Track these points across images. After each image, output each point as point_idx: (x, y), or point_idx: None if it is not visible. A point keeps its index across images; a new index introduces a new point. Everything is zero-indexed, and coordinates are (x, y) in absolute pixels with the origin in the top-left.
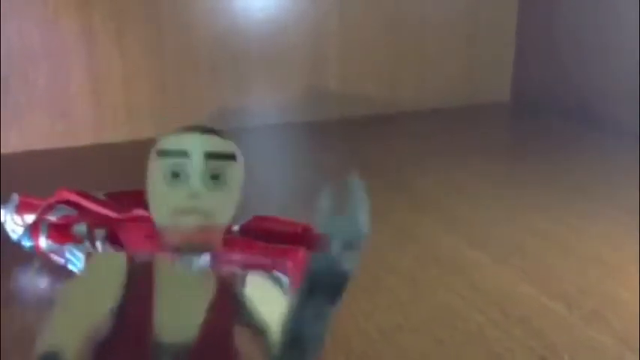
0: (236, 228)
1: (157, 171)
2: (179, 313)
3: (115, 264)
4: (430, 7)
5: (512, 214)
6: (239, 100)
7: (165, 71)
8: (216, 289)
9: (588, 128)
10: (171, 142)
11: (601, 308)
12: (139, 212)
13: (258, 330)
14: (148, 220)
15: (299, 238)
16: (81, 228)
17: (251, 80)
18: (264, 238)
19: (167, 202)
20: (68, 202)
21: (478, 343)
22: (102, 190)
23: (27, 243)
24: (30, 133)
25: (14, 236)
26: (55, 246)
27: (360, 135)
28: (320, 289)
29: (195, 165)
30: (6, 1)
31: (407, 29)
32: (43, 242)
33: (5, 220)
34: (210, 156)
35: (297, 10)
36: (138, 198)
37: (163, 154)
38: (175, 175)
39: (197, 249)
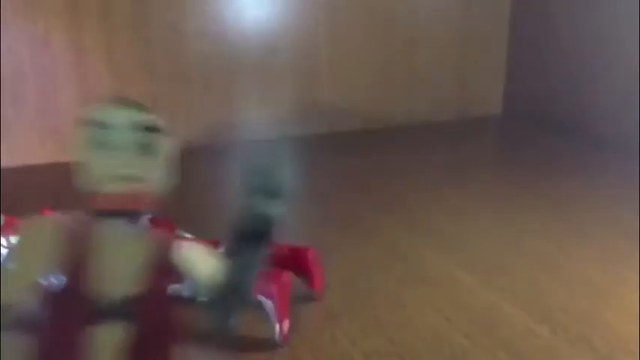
0: (222, 250)
1: (84, 139)
2: (117, 269)
3: (48, 227)
4: (421, 21)
5: (502, 234)
6: (230, 114)
7: (156, 87)
8: (151, 251)
9: (582, 142)
10: (98, 112)
11: (587, 331)
12: None
13: (194, 289)
14: None
15: (285, 259)
16: None
17: (242, 95)
18: None
19: (94, 170)
20: None
21: None
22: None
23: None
24: (19, 149)
25: None
26: None
27: (350, 149)
28: (247, 238)
29: (122, 135)
30: None
31: (398, 43)
32: None
33: None
34: (135, 127)
35: (287, 26)
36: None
37: (90, 123)
38: (102, 144)
39: (124, 213)
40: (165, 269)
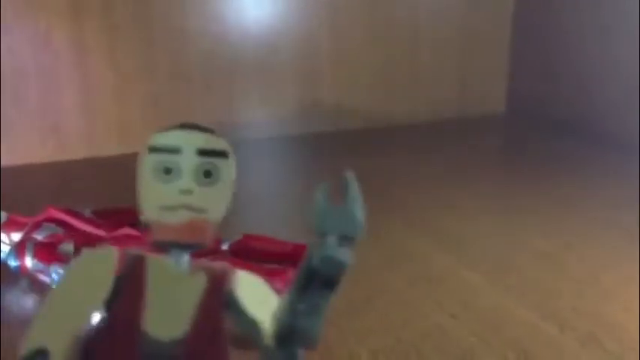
0: (225, 247)
1: (148, 167)
2: (169, 310)
3: (104, 260)
4: (424, 19)
5: (507, 233)
6: (232, 113)
7: (158, 85)
8: (207, 287)
9: (585, 141)
10: (163, 138)
11: (596, 330)
12: (126, 231)
13: (249, 327)
14: (135, 239)
15: (290, 257)
16: (67, 247)
17: (244, 93)
18: (254, 257)
19: (158, 199)
20: (55, 221)
21: None
22: (90, 207)
23: (13, 263)
24: (21, 148)
25: (0, 255)
26: (41, 266)
27: (354, 149)
28: (315, 283)
29: (187, 161)
30: None
31: (399, 42)
32: (29, 262)
33: None
34: (202, 153)
35: (289, 24)
36: (126, 216)
37: (155, 150)
38: (167, 171)
39: (187, 245)
40: (220, 307)
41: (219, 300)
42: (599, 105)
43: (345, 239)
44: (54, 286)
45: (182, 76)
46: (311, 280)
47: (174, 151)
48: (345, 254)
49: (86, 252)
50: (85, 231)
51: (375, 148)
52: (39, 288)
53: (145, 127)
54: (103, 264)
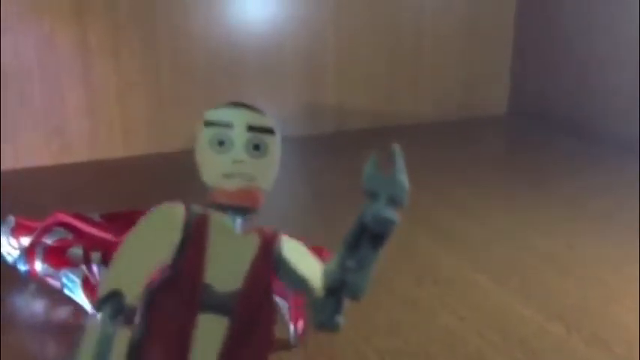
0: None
1: (204, 139)
2: (228, 265)
3: (174, 215)
4: (427, 19)
5: (512, 234)
6: None
7: (161, 87)
8: (260, 246)
9: (586, 142)
10: (217, 114)
11: (601, 330)
12: None
13: (298, 283)
14: None
15: None
16: (77, 251)
17: (247, 94)
18: None
19: (214, 167)
20: (64, 225)
21: None
22: (95, 209)
23: (22, 267)
24: (25, 150)
25: (9, 259)
26: (51, 270)
27: (357, 149)
28: (366, 238)
29: (239, 135)
30: (1, 18)
31: (403, 42)
32: (39, 266)
33: (1, 243)
34: (252, 128)
35: (293, 24)
36: (133, 219)
37: (210, 124)
38: (221, 143)
39: (241, 209)
40: (270, 264)
41: (269, 259)
42: (601, 106)
43: (392, 202)
44: (129, 236)
45: (186, 77)
46: (360, 237)
47: (226, 125)
48: (393, 213)
49: (158, 207)
50: (93, 235)
51: (378, 148)
52: (48, 292)
53: (149, 130)
54: (171, 218)
